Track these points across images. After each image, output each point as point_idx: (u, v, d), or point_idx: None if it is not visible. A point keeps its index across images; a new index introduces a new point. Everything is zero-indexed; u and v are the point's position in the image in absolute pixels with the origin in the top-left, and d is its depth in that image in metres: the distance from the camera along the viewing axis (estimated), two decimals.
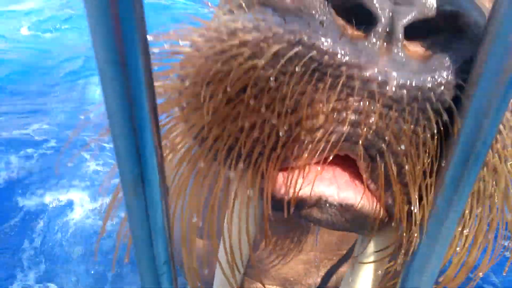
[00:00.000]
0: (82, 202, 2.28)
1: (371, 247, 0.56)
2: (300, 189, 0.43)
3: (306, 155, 0.43)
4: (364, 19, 0.38)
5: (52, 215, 2.22)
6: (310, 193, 0.44)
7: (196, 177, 0.49)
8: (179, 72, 0.44)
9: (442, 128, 0.39)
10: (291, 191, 0.43)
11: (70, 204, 2.28)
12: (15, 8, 5.22)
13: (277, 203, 0.44)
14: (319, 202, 0.44)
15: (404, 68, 0.38)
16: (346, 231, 0.51)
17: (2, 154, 2.54)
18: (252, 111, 0.40)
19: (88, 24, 0.27)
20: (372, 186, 0.45)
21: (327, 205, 0.44)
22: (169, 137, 0.46)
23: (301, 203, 0.44)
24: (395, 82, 0.38)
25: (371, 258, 0.54)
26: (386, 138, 0.40)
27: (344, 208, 0.45)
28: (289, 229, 0.89)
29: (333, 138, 0.41)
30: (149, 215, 0.35)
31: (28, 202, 2.28)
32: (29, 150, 2.61)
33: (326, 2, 0.37)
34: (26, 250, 2.01)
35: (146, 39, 0.28)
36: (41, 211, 2.23)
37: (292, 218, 0.52)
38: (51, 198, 2.29)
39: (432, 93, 0.39)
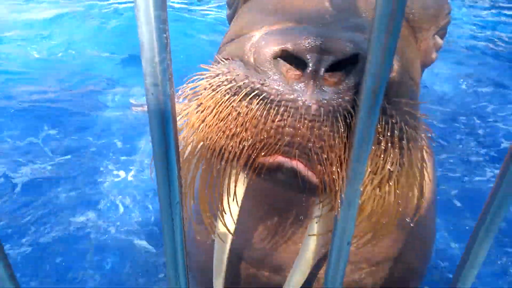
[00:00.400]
0: None
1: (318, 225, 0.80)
2: (269, 161, 0.65)
3: (265, 154, 0.65)
4: (301, 62, 0.60)
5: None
6: (274, 162, 0.66)
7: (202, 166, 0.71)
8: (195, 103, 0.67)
9: (348, 125, 0.62)
10: (264, 162, 0.66)
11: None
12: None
13: (256, 172, 0.66)
14: (281, 167, 0.65)
15: (323, 95, 0.60)
16: (302, 192, 0.72)
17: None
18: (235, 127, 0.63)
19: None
20: (313, 168, 0.67)
21: (286, 169, 0.65)
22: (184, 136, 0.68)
23: (269, 168, 0.66)
24: (315, 106, 0.60)
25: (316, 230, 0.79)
26: (312, 140, 0.61)
27: (297, 174, 0.65)
28: (281, 219, 1.10)
29: (279, 144, 0.63)
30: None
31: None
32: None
33: (274, 60, 0.59)
34: None
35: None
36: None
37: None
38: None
39: (339, 106, 0.60)
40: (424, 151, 0.69)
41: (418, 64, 0.78)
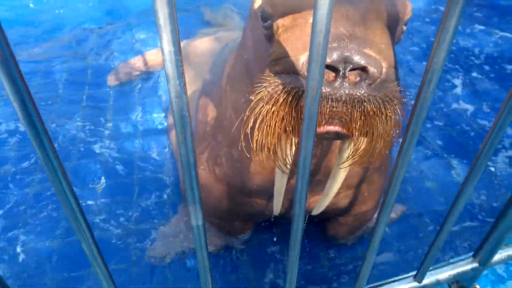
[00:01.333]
0: None
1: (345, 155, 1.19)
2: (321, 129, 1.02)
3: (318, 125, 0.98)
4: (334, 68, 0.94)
5: None
6: (325, 129, 1.02)
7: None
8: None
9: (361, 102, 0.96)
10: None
11: None
12: None
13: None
14: (328, 131, 1.02)
15: (348, 88, 0.95)
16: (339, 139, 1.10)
17: None
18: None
19: None
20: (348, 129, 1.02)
21: (331, 132, 1.02)
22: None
23: (321, 133, 1.02)
24: (344, 95, 0.95)
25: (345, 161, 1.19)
26: (348, 114, 0.98)
27: (337, 134, 1.02)
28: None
29: (325, 119, 1.00)
30: None
31: None
32: None
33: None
34: None
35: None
36: None
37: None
38: None
39: (355, 94, 0.96)
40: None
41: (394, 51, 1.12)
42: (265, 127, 1.02)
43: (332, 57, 0.91)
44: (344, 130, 1.02)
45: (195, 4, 4.28)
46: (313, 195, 1.61)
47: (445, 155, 2.58)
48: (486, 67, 3.37)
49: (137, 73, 3.26)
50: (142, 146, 2.59)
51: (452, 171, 2.48)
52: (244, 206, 1.71)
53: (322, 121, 1.00)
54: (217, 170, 1.62)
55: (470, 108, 2.96)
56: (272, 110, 0.99)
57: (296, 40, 1.00)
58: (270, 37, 1.09)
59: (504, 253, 1.38)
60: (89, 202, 2.22)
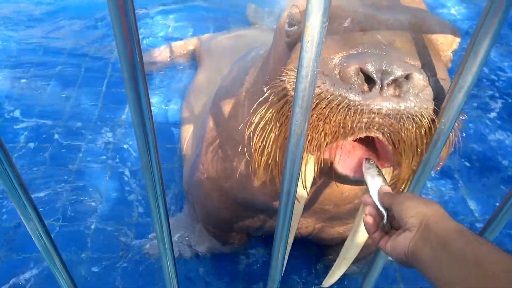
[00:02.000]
0: None
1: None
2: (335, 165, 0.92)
3: (350, 136, 0.86)
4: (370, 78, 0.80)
5: None
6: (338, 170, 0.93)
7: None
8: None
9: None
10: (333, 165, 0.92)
11: None
12: None
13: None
14: (343, 177, 0.93)
15: (388, 100, 0.80)
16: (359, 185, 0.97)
17: None
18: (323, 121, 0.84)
19: None
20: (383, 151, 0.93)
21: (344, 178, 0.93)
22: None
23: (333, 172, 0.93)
24: (384, 108, 0.80)
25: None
26: (386, 129, 0.83)
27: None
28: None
29: (359, 128, 0.85)
30: None
31: None
32: None
33: (354, 76, 0.80)
34: None
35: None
36: None
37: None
38: None
39: (404, 107, 0.81)
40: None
41: None
42: (266, 132, 0.92)
43: (367, 65, 0.78)
44: (385, 139, 0.87)
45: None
46: (319, 222, 1.54)
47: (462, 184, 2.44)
48: None
49: (158, 64, 3.24)
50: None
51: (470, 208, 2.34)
52: (244, 219, 1.65)
53: (354, 131, 0.86)
54: (222, 182, 1.56)
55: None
56: (283, 112, 0.89)
57: (326, 42, 0.87)
58: (293, 44, 1.00)
59: None
60: (94, 196, 2.22)
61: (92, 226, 2.04)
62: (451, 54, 1.00)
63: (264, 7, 3.88)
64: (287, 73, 0.89)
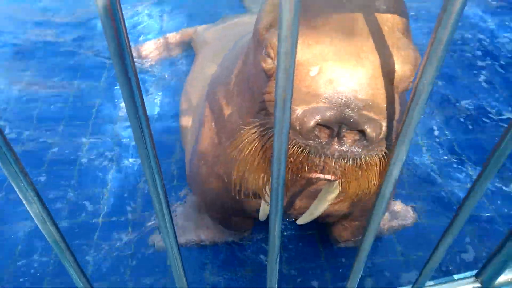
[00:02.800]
0: None
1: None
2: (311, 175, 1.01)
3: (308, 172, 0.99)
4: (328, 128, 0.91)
5: None
6: (315, 176, 1.01)
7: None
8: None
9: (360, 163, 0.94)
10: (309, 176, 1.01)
11: None
12: None
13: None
14: (317, 178, 1.01)
15: (344, 146, 0.92)
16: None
17: None
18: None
19: None
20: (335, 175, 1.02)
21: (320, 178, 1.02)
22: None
23: (310, 179, 1.06)
24: (338, 152, 0.92)
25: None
26: (340, 169, 0.97)
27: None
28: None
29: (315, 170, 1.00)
30: None
31: None
32: None
33: (316, 129, 0.90)
34: None
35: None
36: None
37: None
38: None
39: (354, 153, 0.93)
40: None
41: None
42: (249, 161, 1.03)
43: (330, 116, 0.88)
44: (332, 177, 1.01)
45: None
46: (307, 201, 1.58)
47: (463, 160, 2.46)
48: None
49: (155, 57, 3.24)
50: (155, 130, 2.59)
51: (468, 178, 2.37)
52: (243, 204, 1.68)
53: (312, 169, 1.00)
54: (218, 168, 1.59)
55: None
56: (257, 151, 1.00)
57: (294, 89, 0.94)
58: (269, 73, 1.05)
59: (510, 275, 1.30)
60: (95, 190, 2.24)
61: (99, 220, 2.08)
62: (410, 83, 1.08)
63: None
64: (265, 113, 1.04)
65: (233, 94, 1.40)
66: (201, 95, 2.23)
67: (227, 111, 1.44)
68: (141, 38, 3.54)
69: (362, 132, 0.90)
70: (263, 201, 1.40)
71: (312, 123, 0.89)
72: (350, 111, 0.89)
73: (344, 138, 0.92)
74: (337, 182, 1.05)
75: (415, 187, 2.29)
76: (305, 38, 0.97)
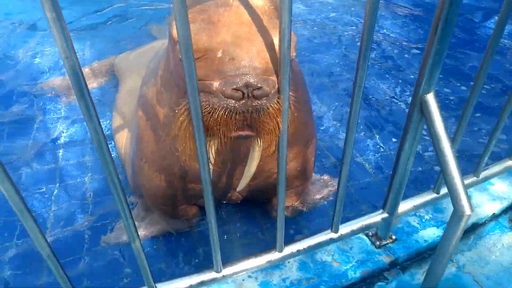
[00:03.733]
0: None
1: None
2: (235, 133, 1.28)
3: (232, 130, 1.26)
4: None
5: None
6: (237, 132, 1.28)
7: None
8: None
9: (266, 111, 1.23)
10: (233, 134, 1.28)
11: None
12: None
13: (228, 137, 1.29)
14: (240, 134, 1.28)
15: (251, 102, 1.22)
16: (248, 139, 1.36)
17: None
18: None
19: None
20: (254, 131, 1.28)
21: (242, 134, 1.28)
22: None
23: (234, 136, 1.28)
24: (250, 108, 1.22)
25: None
26: (253, 118, 1.24)
27: (246, 136, 1.30)
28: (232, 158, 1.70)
29: (237, 125, 1.27)
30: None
31: None
32: None
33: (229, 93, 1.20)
34: None
35: None
36: None
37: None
38: None
39: (261, 105, 1.23)
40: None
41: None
42: (186, 133, 1.30)
43: (238, 84, 1.19)
44: (251, 132, 1.29)
45: (143, 22, 4.48)
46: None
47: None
48: None
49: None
50: (90, 151, 2.72)
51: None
52: (186, 191, 1.87)
53: (235, 127, 1.27)
54: (161, 161, 1.76)
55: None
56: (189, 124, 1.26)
57: (208, 69, 1.25)
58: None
59: (410, 203, 1.61)
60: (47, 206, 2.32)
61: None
62: (294, 52, 1.43)
63: (163, 23, 4.38)
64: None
65: (162, 92, 1.62)
66: (131, 111, 2.40)
67: (159, 108, 1.65)
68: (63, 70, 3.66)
69: (260, 90, 1.21)
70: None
71: (229, 90, 1.20)
72: (250, 77, 1.20)
73: (251, 96, 1.21)
74: (258, 138, 1.33)
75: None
76: (208, 32, 1.26)
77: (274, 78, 1.24)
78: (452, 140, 1.43)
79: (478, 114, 3.07)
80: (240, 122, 1.25)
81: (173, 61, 1.49)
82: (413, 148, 1.32)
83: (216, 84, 1.22)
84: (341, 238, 1.49)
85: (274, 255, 1.41)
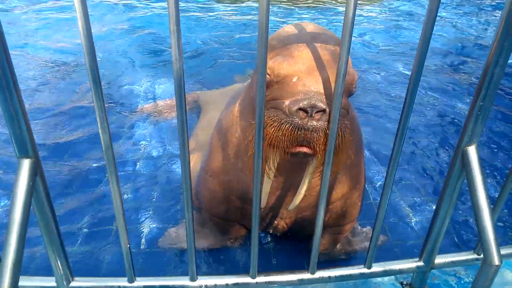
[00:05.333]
0: None
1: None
2: (294, 149, 1.49)
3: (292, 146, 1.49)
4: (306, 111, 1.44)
5: None
6: (297, 149, 1.49)
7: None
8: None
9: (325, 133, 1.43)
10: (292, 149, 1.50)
11: None
12: None
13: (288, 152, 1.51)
14: (300, 150, 1.48)
15: (313, 122, 1.43)
16: (307, 158, 1.55)
17: None
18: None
19: None
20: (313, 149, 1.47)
21: (302, 152, 1.48)
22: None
23: (293, 152, 1.50)
24: (311, 126, 1.43)
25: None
26: (315, 139, 1.45)
27: (306, 152, 1.49)
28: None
29: (298, 142, 1.48)
30: None
31: None
32: None
33: (295, 112, 1.44)
34: None
35: None
36: None
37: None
38: None
39: (321, 126, 1.43)
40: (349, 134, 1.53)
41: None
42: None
43: (305, 104, 1.42)
44: (310, 150, 1.48)
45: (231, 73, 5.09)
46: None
47: None
48: None
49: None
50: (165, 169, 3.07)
51: None
52: (241, 211, 2.06)
53: (296, 142, 1.46)
54: (223, 176, 1.99)
55: None
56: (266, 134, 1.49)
57: (283, 90, 1.51)
58: (268, 85, 1.58)
59: (447, 258, 1.64)
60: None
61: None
62: (354, 88, 1.66)
63: (246, 74, 4.88)
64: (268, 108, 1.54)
65: (238, 117, 1.88)
66: (208, 135, 2.73)
67: (231, 130, 1.91)
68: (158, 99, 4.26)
69: (324, 112, 1.42)
70: (263, 193, 1.78)
71: (295, 108, 1.43)
72: (315, 100, 1.42)
73: (314, 117, 1.42)
74: (314, 157, 1.52)
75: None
76: (288, 62, 1.53)
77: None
78: (499, 194, 1.48)
79: None
80: (301, 138, 1.44)
81: (255, 87, 1.75)
82: (453, 199, 1.40)
83: (287, 102, 1.46)
84: (373, 275, 1.56)
85: (306, 275, 1.52)
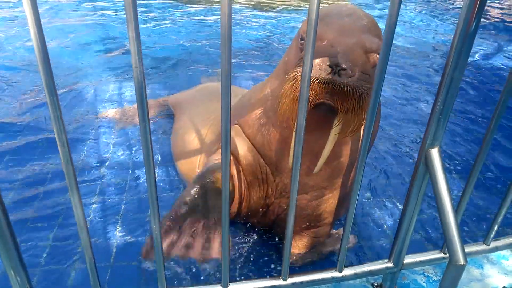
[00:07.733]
0: None
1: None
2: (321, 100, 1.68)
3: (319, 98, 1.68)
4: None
5: None
6: (323, 100, 1.68)
7: None
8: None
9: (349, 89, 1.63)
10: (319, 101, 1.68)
11: None
12: None
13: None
14: (325, 102, 1.67)
15: (338, 77, 1.62)
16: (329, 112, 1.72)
17: None
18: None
19: None
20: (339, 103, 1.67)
21: (327, 103, 1.67)
22: None
23: (319, 103, 1.68)
24: (338, 80, 1.62)
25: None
26: (336, 92, 1.64)
27: (330, 107, 1.68)
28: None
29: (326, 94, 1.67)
30: None
31: None
32: None
33: (326, 67, 1.64)
34: None
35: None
36: None
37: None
38: None
39: (345, 81, 1.62)
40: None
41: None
42: (292, 95, 1.70)
43: (331, 61, 1.62)
44: (333, 103, 1.65)
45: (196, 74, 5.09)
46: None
47: None
48: None
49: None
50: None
51: None
52: (267, 176, 2.13)
53: (322, 94, 1.64)
54: (256, 135, 2.11)
55: None
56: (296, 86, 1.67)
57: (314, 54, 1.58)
58: (302, 49, 1.78)
59: (416, 258, 1.66)
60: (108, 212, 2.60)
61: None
62: (376, 56, 1.75)
63: (214, 75, 4.93)
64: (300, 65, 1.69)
65: (269, 81, 2.11)
66: (193, 138, 2.79)
67: (263, 94, 2.12)
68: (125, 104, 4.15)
69: (346, 70, 1.60)
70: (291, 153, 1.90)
71: (322, 64, 1.62)
72: (340, 60, 1.62)
73: (339, 74, 1.60)
74: (337, 118, 1.71)
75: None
76: (324, 28, 1.74)
77: (357, 68, 1.63)
78: (462, 194, 1.52)
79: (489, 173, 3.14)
80: (327, 91, 1.62)
81: (293, 53, 1.94)
82: (419, 200, 1.43)
83: (316, 60, 1.64)
84: (345, 278, 1.57)
85: (278, 282, 1.50)
